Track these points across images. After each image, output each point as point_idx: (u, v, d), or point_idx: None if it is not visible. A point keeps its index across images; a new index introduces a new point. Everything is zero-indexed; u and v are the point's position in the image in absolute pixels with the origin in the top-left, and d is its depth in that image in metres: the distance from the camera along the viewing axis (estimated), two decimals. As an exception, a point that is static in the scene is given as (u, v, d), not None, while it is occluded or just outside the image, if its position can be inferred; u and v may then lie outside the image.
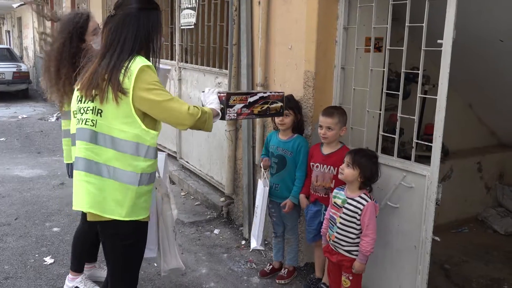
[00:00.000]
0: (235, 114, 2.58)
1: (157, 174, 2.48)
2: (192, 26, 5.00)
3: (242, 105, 2.59)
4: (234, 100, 2.57)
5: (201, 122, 2.19)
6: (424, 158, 2.95)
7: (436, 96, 2.63)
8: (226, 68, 4.47)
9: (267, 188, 3.30)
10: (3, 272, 3.45)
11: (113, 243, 2.23)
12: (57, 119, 9.63)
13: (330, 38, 3.27)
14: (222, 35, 4.58)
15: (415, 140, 2.87)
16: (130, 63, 2.06)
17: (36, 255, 3.73)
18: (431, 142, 2.70)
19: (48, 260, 3.64)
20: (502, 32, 3.61)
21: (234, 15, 3.96)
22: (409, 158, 2.90)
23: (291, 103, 3.20)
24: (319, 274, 3.34)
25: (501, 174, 4.99)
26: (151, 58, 2.20)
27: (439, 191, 2.72)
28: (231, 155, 4.26)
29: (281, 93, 2.69)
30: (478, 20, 3.56)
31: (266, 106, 2.66)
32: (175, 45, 5.56)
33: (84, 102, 2.14)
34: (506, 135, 5.11)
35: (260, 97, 2.63)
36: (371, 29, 3.07)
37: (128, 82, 2.02)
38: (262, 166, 3.35)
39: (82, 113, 2.14)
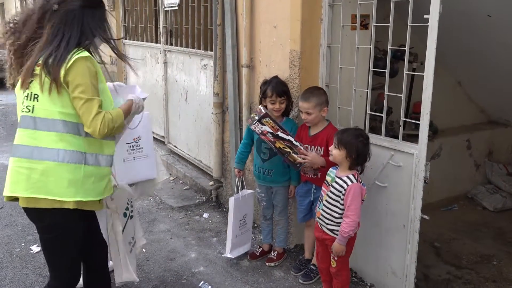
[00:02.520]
0: (260, 130, 2.93)
1: (114, 188, 2.55)
2: (176, 7, 4.89)
3: (270, 130, 2.90)
4: (267, 123, 2.90)
5: (111, 131, 2.14)
6: (413, 137, 2.91)
7: (415, 73, 2.60)
8: (211, 50, 4.38)
9: (233, 199, 3.36)
10: (-11, 262, 3.40)
11: (47, 231, 2.20)
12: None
13: (315, 16, 3.19)
14: (207, 16, 4.48)
15: (402, 118, 2.83)
16: (71, 55, 2.06)
17: (22, 244, 3.68)
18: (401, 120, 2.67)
19: (35, 248, 3.58)
20: (490, 7, 3.56)
21: (217, -6, 3.86)
22: (398, 137, 2.87)
23: (284, 88, 3.14)
24: (308, 255, 3.33)
25: (490, 151, 4.98)
26: (95, 55, 2.20)
27: (427, 169, 2.69)
28: (218, 138, 4.21)
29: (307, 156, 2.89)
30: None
31: (288, 150, 2.91)
32: (159, 27, 5.44)
33: (23, 92, 2.14)
34: (495, 112, 5.10)
35: (288, 140, 2.90)
36: (357, 6, 3.01)
37: (64, 73, 2.03)
38: (237, 176, 3.41)
39: (22, 102, 2.15)
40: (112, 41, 2.30)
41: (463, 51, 4.26)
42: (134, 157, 2.99)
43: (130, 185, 2.98)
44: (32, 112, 2.10)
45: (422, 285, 3.22)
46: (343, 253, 2.65)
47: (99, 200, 2.23)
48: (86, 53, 2.10)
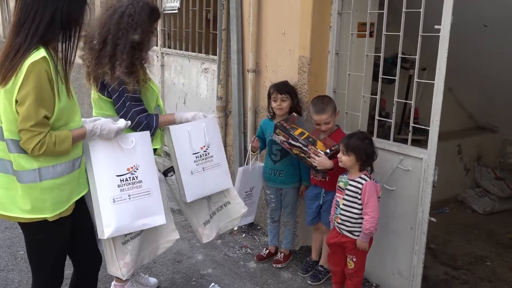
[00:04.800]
0: (279, 140, 3.07)
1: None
2: (176, 11, 4.91)
3: (284, 139, 3.02)
4: (280, 133, 3.03)
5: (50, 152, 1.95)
6: (412, 142, 3.01)
7: (423, 80, 2.81)
8: (213, 54, 4.43)
9: (241, 169, 3.34)
10: (-7, 265, 3.36)
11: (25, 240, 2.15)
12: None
13: (325, 24, 3.28)
14: (209, 20, 4.52)
15: (412, 124, 2.94)
16: (27, 58, 1.86)
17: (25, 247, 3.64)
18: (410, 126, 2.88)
19: (39, 251, 3.55)
20: (486, 17, 3.71)
21: (223, 0, 3.91)
22: (396, 142, 3.02)
23: (287, 88, 3.24)
24: (316, 257, 3.41)
25: (479, 156, 5.16)
26: (60, 51, 2.01)
27: (435, 174, 2.81)
28: (220, 142, 4.25)
29: (318, 157, 2.91)
30: (462, 5, 3.64)
31: (303, 155, 2.99)
32: (156, 29, 5.43)
33: None
34: (483, 118, 5.28)
35: (299, 146, 2.97)
36: (363, 14, 3.12)
37: (15, 81, 1.85)
38: (250, 147, 3.37)
39: None
40: (76, 41, 2.03)
41: (456, 58, 4.40)
42: (203, 168, 2.69)
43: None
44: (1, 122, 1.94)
45: (423, 285, 3.33)
46: (366, 249, 2.76)
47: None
48: (42, 54, 1.87)
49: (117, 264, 2.42)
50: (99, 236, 2.23)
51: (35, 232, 2.07)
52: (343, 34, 3.29)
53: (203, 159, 2.70)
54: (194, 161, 2.67)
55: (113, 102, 2.56)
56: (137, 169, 2.28)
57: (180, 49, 5.05)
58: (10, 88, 1.86)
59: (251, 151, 3.36)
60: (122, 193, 2.22)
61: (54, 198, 2.01)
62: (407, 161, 2.92)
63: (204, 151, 2.70)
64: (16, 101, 1.86)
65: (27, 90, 1.83)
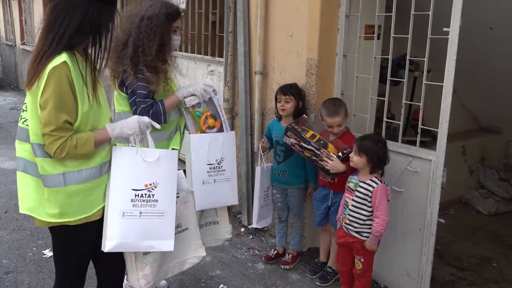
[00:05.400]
0: (289, 142, 3.06)
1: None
2: (182, 13, 4.93)
3: (295, 142, 3.01)
4: (291, 135, 3.02)
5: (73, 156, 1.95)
6: (414, 143, 3.05)
7: (428, 81, 2.86)
8: (219, 56, 4.44)
9: (259, 168, 3.34)
10: (3, 267, 3.37)
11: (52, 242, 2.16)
12: (29, 108, 9.32)
13: (332, 26, 3.30)
14: (215, 22, 4.54)
15: (420, 126, 2.95)
16: (49, 63, 1.87)
17: (34, 248, 3.65)
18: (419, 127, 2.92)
19: (47, 253, 3.57)
20: (492, 19, 3.73)
21: (230, 2, 3.93)
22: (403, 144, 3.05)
23: (292, 90, 3.26)
24: (324, 258, 3.42)
25: (483, 157, 5.19)
26: (87, 60, 2.00)
27: (444, 175, 2.82)
28: (227, 143, 4.26)
29: (331, 161, 2.91)
30: (468, 8, 3.66)
31: (315, 158, 2.99)
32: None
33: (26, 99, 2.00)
34: (486, 119, 5.30)
35: (311, 149, 2.96)
36: (371, 17, 3.15)
37: (38, 86, 1.87)
38: (260, 147, 3.37)
39: (23, 109, 2.03)
40: (107, 47, 2.03)
41: (461, 60, 4.42)
42: (214, 180, 2.73)
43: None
44: (27, 125, 1.98)
45: (430, 287, 3.34)
46: (374, 250, 2.79)
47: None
48: (63, 58, 1.87)
49: (135, 275, 2.33)
50: (101, 247, 2.13)
51: (60, 235, 2.08)
52: (351, 37, 3.31)
53: (216, 171, 2.73)
54: (207, 172, 2.70)
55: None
56: (155, 186, 2.13)
57: (186, 51, 5.07)
58: (34, 92, 1.89)
59: (261, 151, 3.37)
60: (134, 208, 2.09)
61: (79, 202, 2.00)
62: (416, 162, 2.94)
63: (218, 163, 2.74)
64: (40, 106, 1.89)
65: (48, 95, 1.85)
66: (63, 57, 1.88)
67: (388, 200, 2.75)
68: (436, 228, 2.90)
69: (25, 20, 10.98)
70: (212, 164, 2.72)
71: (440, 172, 2.81)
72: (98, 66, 2.02)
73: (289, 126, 3.06)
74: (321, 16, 3.23)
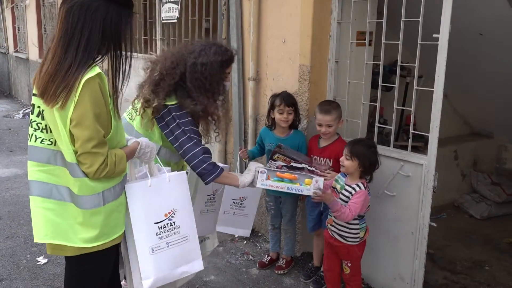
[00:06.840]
0: (275, 166, 2.77)
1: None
2: (175, 20, 4.96)
3: (284, 164, 2.79)
4: (278, 158, 2.80)
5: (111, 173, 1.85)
6: (405, 148, 3.07)
7: (420, 87, 2.89)
8: (213, 63, 4.47)
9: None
10: (-4, 274, 3.37)
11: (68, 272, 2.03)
12: (23, 116, 9.31)
13: (325, 32, 3.34)
14: (208, 29, 4.57)
15: (411, 131, 2.99)
16: (84, 75, 1.72)
17: (28, 256, 3.64)
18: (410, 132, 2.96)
19: (41, 260, 3.56)
20: (482, 26, 3.79)
21: (223, 9, 3.97)
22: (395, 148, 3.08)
23: (291, 100, 3.20)
24: (317, 263, 3.44)
25: (475, 161, 5.23)
26: (108, 70, 1.87)
27: (435, 179, 2.86)
28: (221, 149, 4.29)
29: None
30: (458, 14, 3.72)
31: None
32: (155, 39, 5.49)
33: (37, 114, 1.83)
34: (478, 124, 5.36)
35: (303, 168, 2.76)
36: (362, 24, 3.19)
37: (69, 99, 1.71)
38: (241, 156, 3.31)
39: (35, 128, 1.85)
40: (128, 57, 1.92)
41: (452, 66, 4.47)
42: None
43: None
44: (55, 145, 1.83)
45: (423, 290, 3.38)
46: (326, 201, 2.66)
47: None
48: (95, 70, 1.76)
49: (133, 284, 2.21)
50: (135, 286, 2.07)
51: (81, 263, 1.94)
52: (343, 43, 3.35)
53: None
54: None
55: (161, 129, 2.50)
56: (174, 214, 2.10)
57: (179, 58, 5.09)
58: (64, 107, 1.71)
59: (244, 159, 3.33)
60: (161, 241, 2.04)
61: (113, 221, 1.91)
62: (408, 167, 2.97)
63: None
64: (71, 121, 1.72)
65: (84, 109, 1.70)
66: (97, 68, 1.77)
67: (368, 207, 2.75)
68: (429, 232, 2.92)
69: (19, 28, 10.99)
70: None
71: (431, 176, 2.84)
72: (119, 79, 1.89)
73: (276, 149, 2.89)
74: (313, 23, 3.26)
